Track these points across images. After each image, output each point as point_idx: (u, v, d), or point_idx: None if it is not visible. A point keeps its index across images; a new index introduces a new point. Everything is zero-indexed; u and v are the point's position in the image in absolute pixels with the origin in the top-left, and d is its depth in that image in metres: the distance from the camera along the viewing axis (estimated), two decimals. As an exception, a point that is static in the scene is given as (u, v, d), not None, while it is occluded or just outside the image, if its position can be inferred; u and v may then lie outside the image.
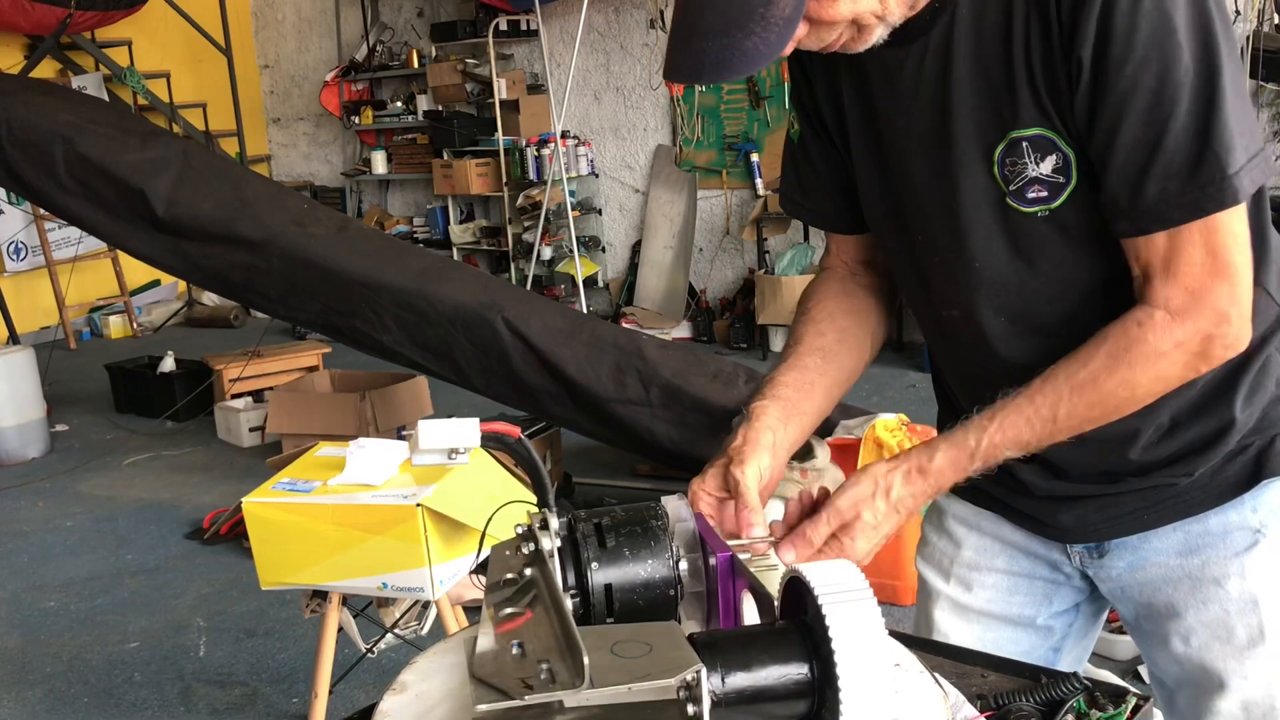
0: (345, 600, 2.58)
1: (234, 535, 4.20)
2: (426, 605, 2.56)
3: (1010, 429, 1.14)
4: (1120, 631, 3.07)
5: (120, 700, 3.14)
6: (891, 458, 1.18)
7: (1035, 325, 1.23)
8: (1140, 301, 1.12)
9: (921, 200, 1.24)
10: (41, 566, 4.21)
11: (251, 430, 5.55)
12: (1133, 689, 1.19)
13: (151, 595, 3.86)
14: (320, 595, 2.56)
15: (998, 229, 1.19)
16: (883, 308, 1.43)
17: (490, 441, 1.09)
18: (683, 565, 1.00)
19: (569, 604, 0.94)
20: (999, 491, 1.37)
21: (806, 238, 6.97)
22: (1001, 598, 1.44)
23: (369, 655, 2.74)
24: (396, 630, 2.63)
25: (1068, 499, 1.33)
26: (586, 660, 0.79)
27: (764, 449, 1.21)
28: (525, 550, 1.00)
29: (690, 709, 0.79)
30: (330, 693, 2.60)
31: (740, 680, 0.83)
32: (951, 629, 1.45)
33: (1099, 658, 2.96)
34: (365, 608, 2.70)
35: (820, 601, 0.81)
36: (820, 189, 1.38)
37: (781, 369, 1.32)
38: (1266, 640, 1.28)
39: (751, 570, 0.99)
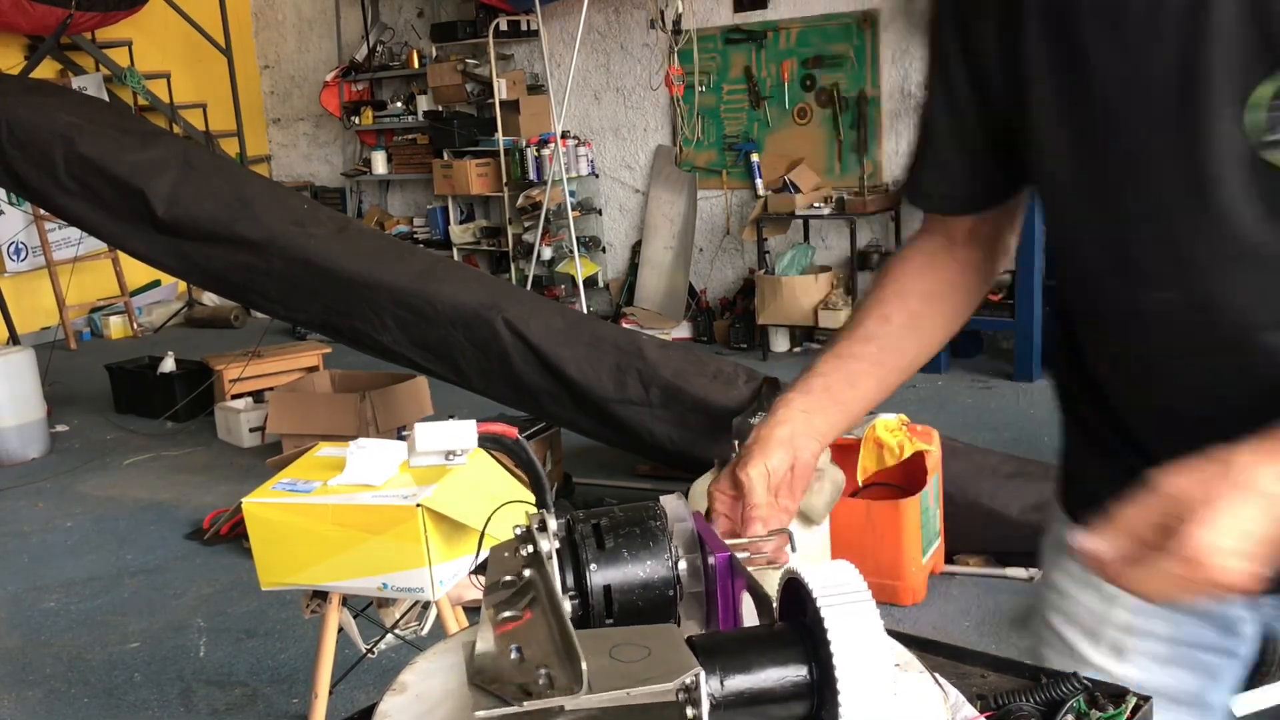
0: (345, 600, 2.57)
1: (234, 535, 4.20)
2: (427, 605, 2.55)
3: None
4: (1120, 631, 3.06)
5: (120, 700, 3.14)
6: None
7: None
8: None
9: (1142, 156, 0.98)
10: (42, 567, 4.21)
11: (252, 431, 5.55)
12: (1133, 689, 1.19)
13: (152, 596, 3.86)
14: (320, 596, 2.56)
15: (1251, 189, 0.94)
16: (976, 286, 1.24)
17: (488, 443, 1.09)
18: (681, 565, 1.00)
19: (567, 606, 0.94)
20: None
21: (806, 238, 6.97)
22: (1159, 668, 1.20)
23: (369, 656, 2.74)
24: (397, 631, 2.63)
25: None
26: (585, 666, 0.79)
27: (777, 445, 1.14)
28: (524, 552, 1.00)
29: (689, 712, 0.79)
30: (330, 693, 2.60)
31: (739, 683, 0.83)
32: None
33: (1099, 658, 2.95)
34: (365, 608, 2.70)
35: (819, 603, 0.81)
36: (957, 164, 1.16)
37: (827, 356, 1.19)
38: None
39: (751, 570, 0.99)
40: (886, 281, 1.23)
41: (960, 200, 1.20)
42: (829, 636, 0.80)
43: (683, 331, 7.38)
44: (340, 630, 2.62)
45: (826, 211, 6.53)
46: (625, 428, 3.98)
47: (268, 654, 3.36)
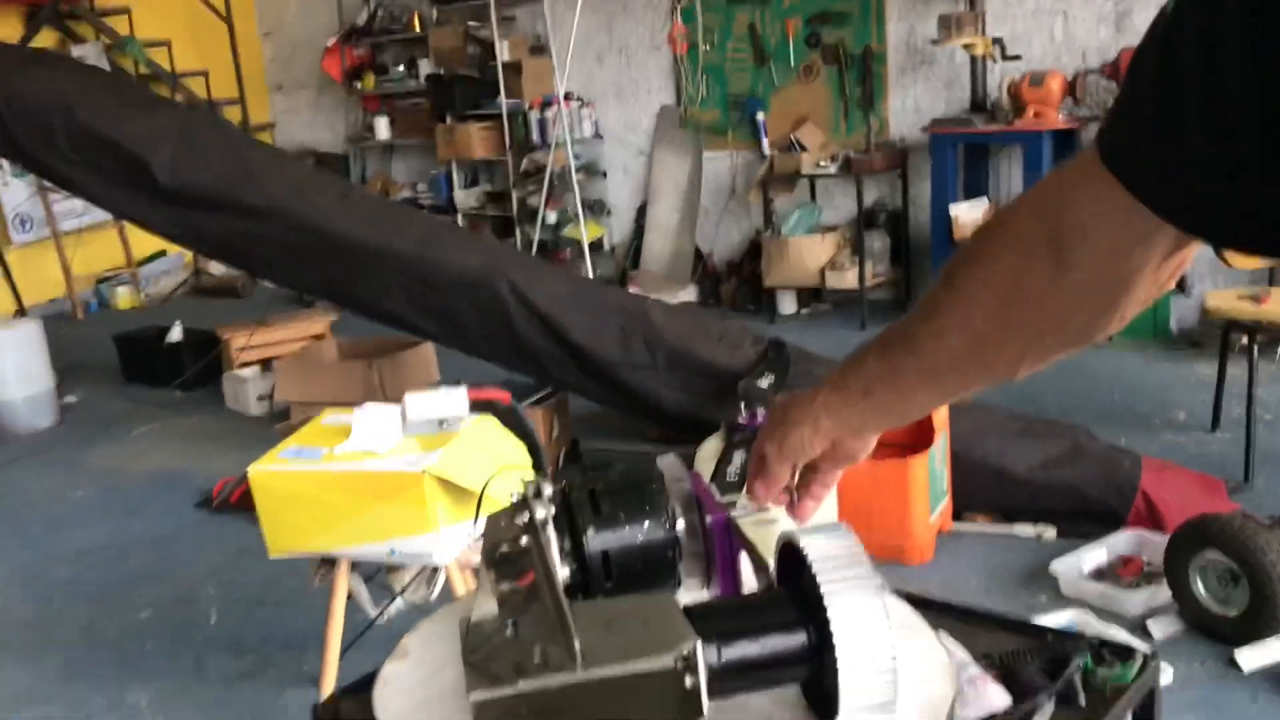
0: (354, 567, 2.58)
1: (244, 504, 4.20)
2: (436, 570, 2.56)
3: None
4: (1132, 586, 3.06)
5: (134, 669, 3.16)
6: None
7: None
8: None
9: None
10: (53, 537, 4.23)
11: (260, 399, 5.56)
12: (1140, 646, 1.18)
13: (162, 565, 3.88)
14: (329, 563, 2.57)
15: None
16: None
17: (479, 409, 1.08)
18: (679, 526, 0.99)
19: (562, 577, 0.93)
20: None
21: (813, 198, 6.93)
22: None
23: (379, 621, 2.75)
24: (406, 596, 2.64)
25: None
26: (578, 644, 0.78)
27: (801, 430, 0.99)
28: (520, 519, 0.99)
29: (688, 681, 0.79)
30: (341, 659, 2.62)
31: (737, 651, 0.82)
32: None
33: (1108, 614, 2.95)
34: (374, 574, 2.71)
35: (815, 572, 0.80)
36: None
37: (877, 351, 0.94)
38: None
39: (749, 525, 0.98)
40: (953, 281, 0.87)
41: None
42: (825, 601, 0.79)
43: (689, 295, 7.35)
44: (350, 597, 2.63)
45: (833, 170, 6.48)
46: (631, 392, 3.97)
47: (279, 622, 3.37)
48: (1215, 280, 5.57)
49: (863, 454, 1.00)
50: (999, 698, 1.15)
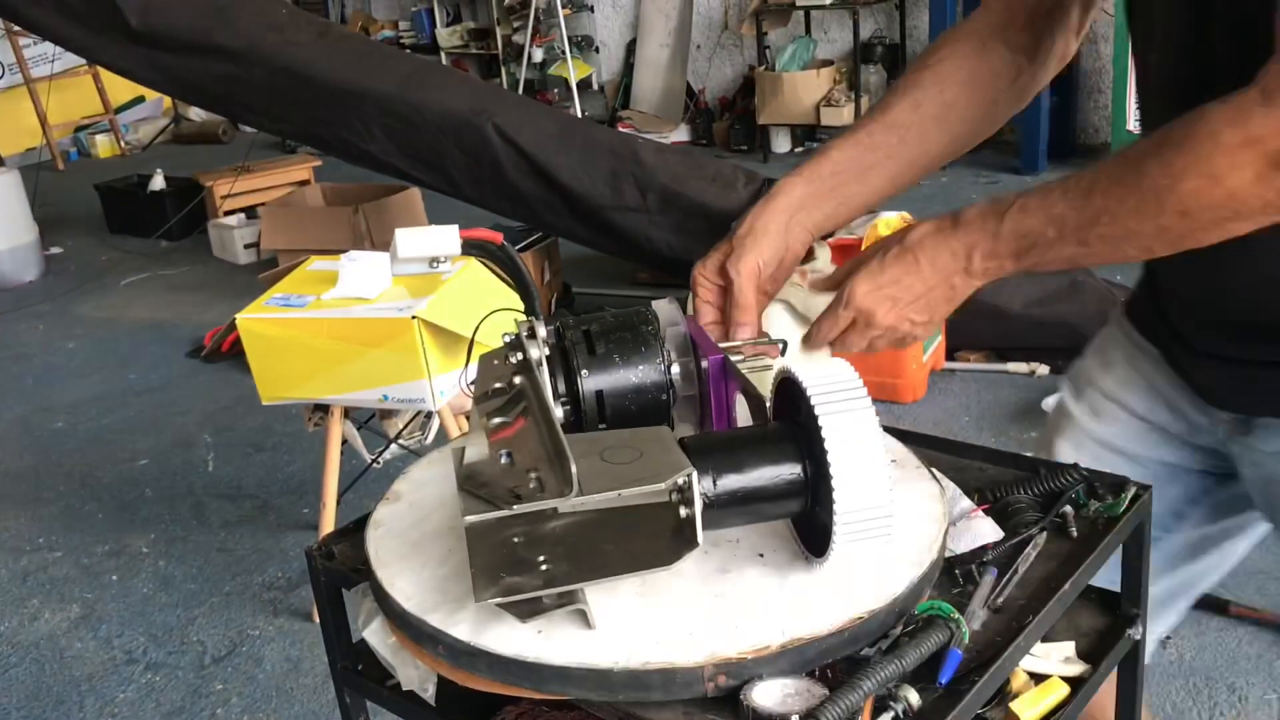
0: (348, 413, 2.59)
1: (235, 352, 4.20)
2: (429, 416, 2.57)
3: (1042, 199, 0.95)
4: (1119, 422, 3.09)
5: (134, 516, 3.20)
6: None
7: None
8: None
9: None
10: (47, 388, 4.23)
11: (247, 247, 5.50)
12: (1132, 479, 1.18)
13: (157, 414, 3.90)
14: (322, 409, 2.57)
15: None
16: (1023, 84, 1.16)
17: (471, 248, 1.05)
18: (674, 369, 0.97)
19: (558, 412, 0.92)
20: (1162, 328, 1.19)
21: (808, 31, 6.73)
22: (1125, 437, 1.28)
23: (375, 465, 2.77)
24: (401, 441, 2.65)
25: (1206, 354, 1.13)
26: (574, 468, 0.77)
27: (772, 236, 1.08)
28: (513, 360, 0.97)
29: (682, 511, 0.78)
30: (339, 502, 2.64)
31: (732, 482, 0.81)
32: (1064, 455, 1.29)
33: (1097, 448, 2.98)
34: (369, 420, 2.72)
35: (813, 401, 0.79)
36: None
37: (845, 140, 1.13)
38: None
39: (743, 372, 0.97)
40: (928, 62, 1.13)
41: None
42: (823, 433, 0.78)
43: (681, 134, 7.22)
44: (345, 442, 2.65)
45: (828, 1, 6.28)
46: (622, 235, 3.92)
47: (276, 467, 3.41)
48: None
49: (796, 263, 1.10)
50: (990, 530, 1.16)
